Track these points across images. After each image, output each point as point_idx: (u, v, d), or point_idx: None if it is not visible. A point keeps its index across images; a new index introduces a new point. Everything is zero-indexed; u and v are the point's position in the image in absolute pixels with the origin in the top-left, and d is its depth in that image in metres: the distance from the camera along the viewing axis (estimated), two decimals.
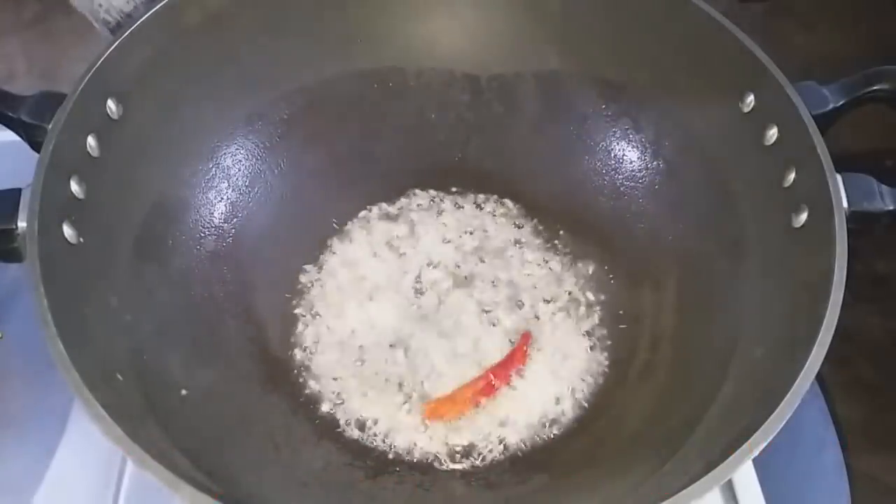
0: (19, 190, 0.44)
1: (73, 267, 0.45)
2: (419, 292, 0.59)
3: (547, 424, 0.53)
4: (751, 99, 0.51)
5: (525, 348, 0.55)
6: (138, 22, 0.51)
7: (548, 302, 0.58)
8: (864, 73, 0.50)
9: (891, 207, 0.46)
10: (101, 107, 0.49)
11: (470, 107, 0.63)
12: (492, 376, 0.54)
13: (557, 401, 0.54)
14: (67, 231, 0.45)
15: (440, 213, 0.63)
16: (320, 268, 0.60)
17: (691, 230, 0.57)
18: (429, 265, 0.60)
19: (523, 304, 0.58)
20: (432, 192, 0.64)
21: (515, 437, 0.53)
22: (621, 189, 0.61)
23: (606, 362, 0.56)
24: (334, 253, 0.61)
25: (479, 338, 0.56)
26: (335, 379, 0.55)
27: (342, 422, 0.53)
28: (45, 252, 0.42)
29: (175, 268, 0.54)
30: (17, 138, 0.49)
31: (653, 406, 0.52)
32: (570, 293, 0.59)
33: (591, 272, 0.60)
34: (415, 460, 0.52)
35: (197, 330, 0.53)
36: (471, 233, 0.62)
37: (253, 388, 0.53)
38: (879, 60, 0.51)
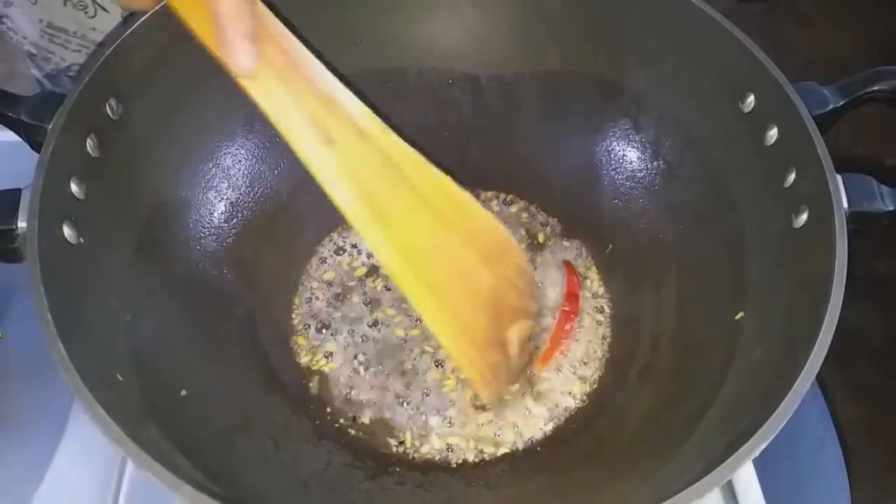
0: (19, 190, 0.44)
1: (73, 267, 0.45)
2: None
3: (547, 424, 0.53)
4: (751, 99, 0.51)
5: (574, 274, 0.59)
6: (138, 22, 0.50)
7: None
8: (864, 73, 0.50)
9: (891, 208, 0.46)
10: (101, 107, 0.49)
11: (470, 107, 0.63)
12: (566, 307, 0.57)
13: (557, 401, 0.54)
14: (67, 231, 0.45)
15: None
16: (320, 267, 0.60)
17: (691, 230, 0.57)
18: None
19: None
20: None
21: (515, 437, 0.53)
22: (621, 189, 0.61)
23: (606, 362, 0.56)
24: (335, 252, 0.61)
25: None
26: (336, 378, 0.55)
27: (343, 421, 0.53)
28: (45, 252, 0.42)
29: (175, 268, 0.54)
30: (17, 138, 0.49)
31: (653, 406, 0.52)
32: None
33: (590, 272, 0.60)
34: (415, 460, 0.52)
35: (197, 330, 0.53)
36: None
37: (253, 388, 0.53)
38: (879, 60, 0.51)
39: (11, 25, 0.68)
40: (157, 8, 0.51)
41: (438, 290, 0.45)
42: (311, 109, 0.43)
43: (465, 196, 0.47)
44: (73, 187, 0.46)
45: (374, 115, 0.45)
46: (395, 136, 0.45)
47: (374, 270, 0.60)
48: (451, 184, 0.46)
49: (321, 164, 0.43)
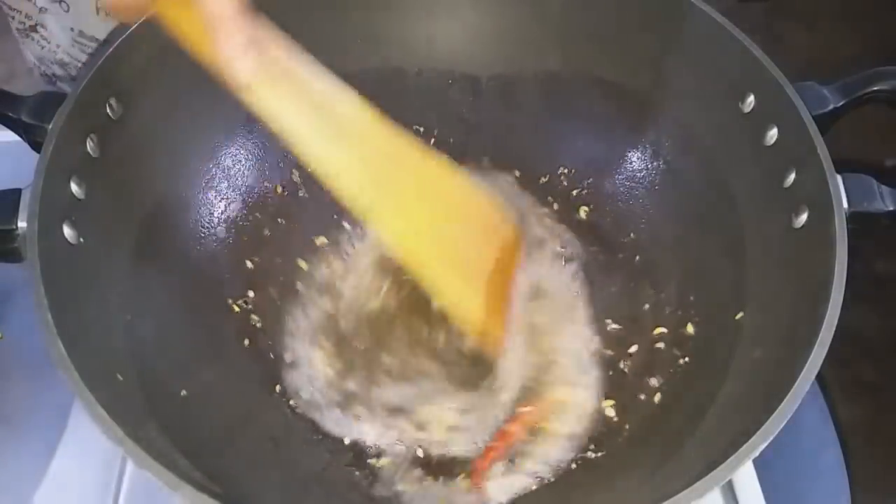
0: (19, 190, 0.44)
1: (73, 267, 0.45)
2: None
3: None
4: (751, 99, 0.51)
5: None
6: (139, 22, 0.50)
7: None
8: (864, 73, 0.50)
9: (891, 208, 0.46)
10: (101, 107, 0.49)
11: (470, 107, 0.63)
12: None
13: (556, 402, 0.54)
14: (67, 231, 0.45)
15: None
16: (321, 268, 0.60)
17: (691, 230, 0.57)
18: None
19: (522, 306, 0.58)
20: None
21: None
22: (621, 189, 0.61)
23: (607, 362, 0.56)
24: (335, 253, 0.61)
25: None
26: (337, 378, 0.55)
27: (343, 421, 0.53)
28: (45, 252, 0.42)
29: (175, 268, 0.54)
30: (17, 138, 0.49)
31: (653, 406, 0.52)
32: (569, 294, 0.59)
33: (591, 272, 0.60)
34: (415, 460, 0.52)
35: (197, 330, 0.53)
36: None
37: (253, 388, 0.53)
38: (879, 60, 0.51)
39: (45, 34, 0.68)
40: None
41: (441, 261, 0.48)
42: (309, 112, 0.43)
43: (464, 182, 0.50)
44: (73, 187, 0.46)
45: (373, 111, 0.46)
46: (395, 129, 0.46)
47: (373, 270, 0.60)
48: (450, 171, 0.49)
49: (324, 165, 0.44)
